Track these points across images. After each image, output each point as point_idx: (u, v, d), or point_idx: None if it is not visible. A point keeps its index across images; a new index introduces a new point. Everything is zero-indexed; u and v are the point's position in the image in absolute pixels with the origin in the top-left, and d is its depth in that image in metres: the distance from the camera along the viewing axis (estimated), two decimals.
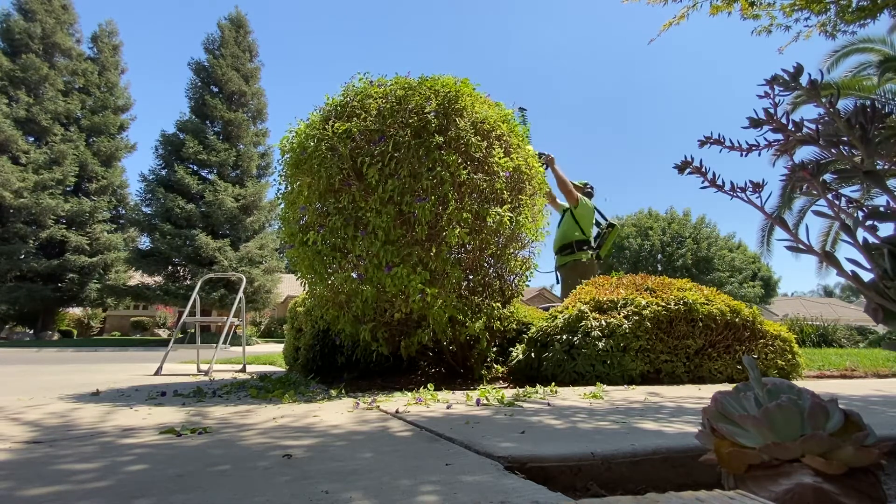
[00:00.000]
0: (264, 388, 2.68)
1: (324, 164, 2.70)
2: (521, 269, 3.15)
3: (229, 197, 20.55)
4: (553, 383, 2.69)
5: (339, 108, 2.92)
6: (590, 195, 5.00)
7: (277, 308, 26.85)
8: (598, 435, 1.30)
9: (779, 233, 15.82)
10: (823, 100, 0.66)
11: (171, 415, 1.86)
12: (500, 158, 2.83)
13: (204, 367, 4.70)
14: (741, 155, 0.77)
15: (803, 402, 0.81)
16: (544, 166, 4.76)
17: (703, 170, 0.79)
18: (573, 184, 4.74)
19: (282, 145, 3.07)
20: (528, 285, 3.31)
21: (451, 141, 2.73)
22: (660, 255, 28.58)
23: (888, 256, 0.61)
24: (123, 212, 24.47)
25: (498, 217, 2.73)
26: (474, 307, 2.87)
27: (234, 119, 22.07)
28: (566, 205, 4.80)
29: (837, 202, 0.66)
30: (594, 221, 4.83)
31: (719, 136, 0.78)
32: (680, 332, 3.05)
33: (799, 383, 2.17)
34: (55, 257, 21.12)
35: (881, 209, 0.62)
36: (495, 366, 3.42)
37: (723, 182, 0.78)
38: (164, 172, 21.20)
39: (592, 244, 4.70)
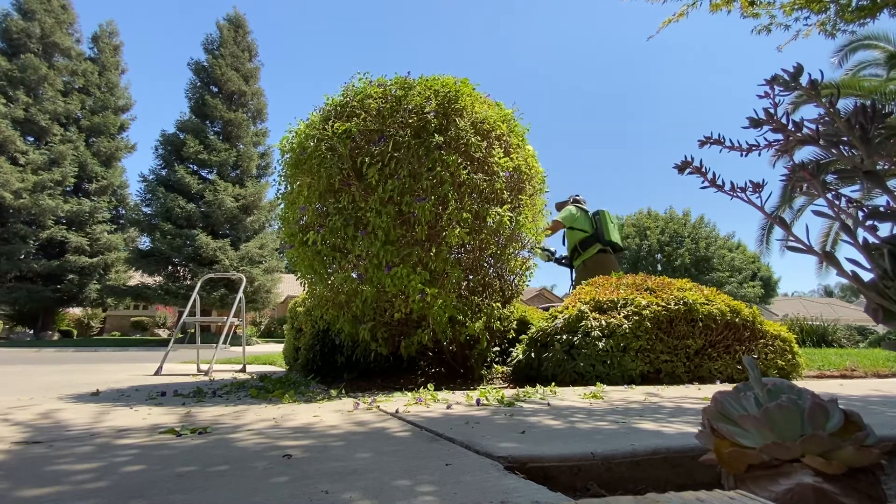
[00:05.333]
0: (264, 389, 2.67)
1: (324, 164, 2.70)
2: (521, 269, 3.15)
3: (229, 197, 20.54)
4: (553, 383, 2.69)
5: (338, 108, 2.92)
6: (579, 203, 5.24)
7: (277, 308, 26.84)
8: (598, 435, 1.30)
9: (778, 232, 15.83)
10: (823, 100, 0.65)
11: (171, 415, 1.86)
12: (500, 158, 2.82)
13: (204, 367, 4.69)
14: (741, 155, 0.77)
15: (803, 402, 0.81)
16: None
17: (703, 170, 0.79)
18: (555, 214, 5.10)
19: (282, 145, 3.07)
20: (528, 285, 3.31)
21: (451, 141, 2.73)
22: (658, 255, 28.58)
23: (888, 256, 0.61)
24: (123, 212, 24.45)
25: (498, 217, 2.73)
26: (474, 307, 2.87)
27: (233, 119, 22.05)
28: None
29: (837, 202, 0.66)
30: (589, 219, 5.08)
31: (719, 136, 0.78)
32: (680, 332, 3.05)
33: (799, 383, 2.17)
34: (55, 258, 21.11)
35: (881, 209, 0.62)
36: (495, 366, 3.42)
37: (723, 182, 0.78)
38: (164, 172, 21.18)
39: (598, 237, 4.90)
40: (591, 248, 4.85)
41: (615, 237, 4.95)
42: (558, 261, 5.28)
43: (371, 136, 2.74)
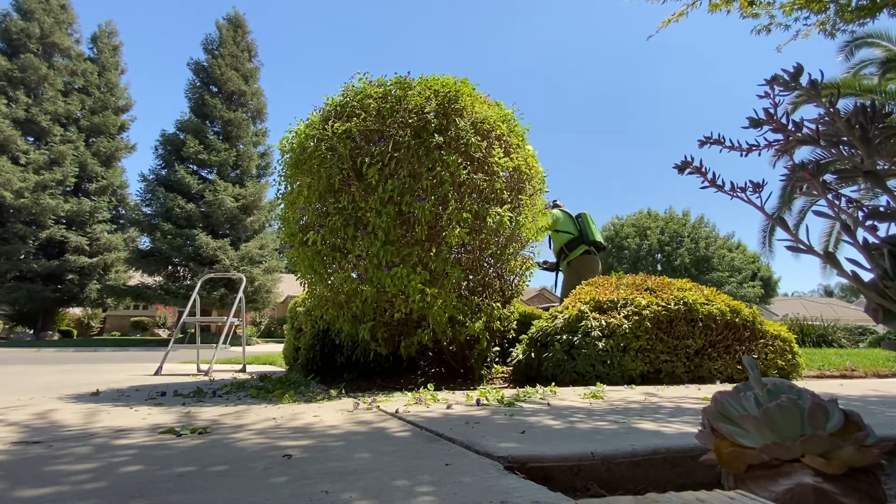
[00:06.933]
0: (264, 389, 2.67)
1: (324, 164, 2.70)
2: (521, 268, 3.15)
3: (229, 197, 20.53)
4: (553, 383, 2.69)
5: (338, 108, 2.92)
6: (559, 207, 5.44)
7: (277, 308, 26.83)
8: (598, 435, 1.30)
9: (780, 233, 15.81)
10: (823, 100, 0.65)
11: (171, 415, 1.86)
12: (499, 158, 2.82)
13: (204, 367, 4.69)
14: (741, 155, 0.77)
15: (803, 402, 0.81)
16: None
17: (703, 170, 0.79)
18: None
19: (282, 145, 3.07)
20: (528, 285, 3.31)
21: (451, 141, 2.73)
22: (658, 255, 28.58)
23: (888, 256, 0.61)
24: (123, 212, 24.44)
25: (498, 217, 2.73)
26: (474, 307, 2.87)
27: (233, 119, 22.04)
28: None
29: (837, 202, 0.66)
30: (573, 221, 5.31)
31: (719, 136, 0.78)
32: (680, 332, 3.05)
33: (799, 383, 2.17)
34: (55, 258, 21.10)
35: (881, 209, 0.62)
36: (495, 366, 3.42)
37: (723, 182, 0.78)
38: (164, 172, 21.17)
39: (583, 238, 5.12)
40: (576, 249, 5.07)
41: (598, 237, 5.18)
42: (540, 266, 5.42)
43: (371, 136, 2.74)
